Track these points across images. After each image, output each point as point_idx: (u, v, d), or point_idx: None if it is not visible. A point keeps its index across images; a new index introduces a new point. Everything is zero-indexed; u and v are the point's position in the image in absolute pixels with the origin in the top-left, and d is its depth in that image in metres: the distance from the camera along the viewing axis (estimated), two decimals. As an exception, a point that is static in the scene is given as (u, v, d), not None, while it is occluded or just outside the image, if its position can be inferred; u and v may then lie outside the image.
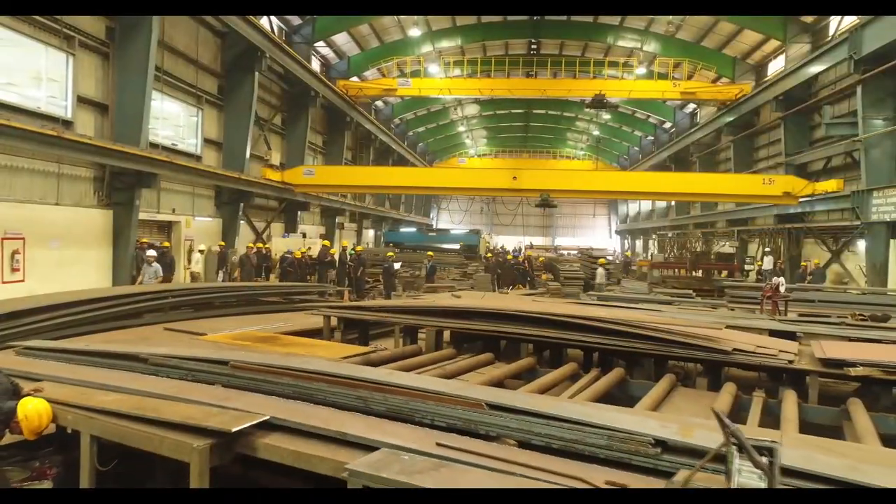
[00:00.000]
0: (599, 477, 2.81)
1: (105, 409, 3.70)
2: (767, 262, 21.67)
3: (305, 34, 25.38)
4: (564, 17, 29.10)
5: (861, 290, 15.20)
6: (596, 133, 48.22)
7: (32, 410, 3.70)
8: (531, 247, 41.88)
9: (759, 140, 27.30)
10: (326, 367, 4.14)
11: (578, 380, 5.80)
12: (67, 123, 13.15)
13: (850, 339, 6.93)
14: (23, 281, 11.82)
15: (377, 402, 3.68)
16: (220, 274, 17.16)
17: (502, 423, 3.33)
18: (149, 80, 14.56)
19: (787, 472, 2.69)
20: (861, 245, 18.52)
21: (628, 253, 30.90)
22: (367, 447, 3.20)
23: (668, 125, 40.38)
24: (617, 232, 61.09)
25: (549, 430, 3.20)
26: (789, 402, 5.02)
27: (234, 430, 3.31)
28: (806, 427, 4.93)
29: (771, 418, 4.89)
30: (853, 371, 5.11)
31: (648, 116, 42.09)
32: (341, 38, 28.64)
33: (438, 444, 3.16)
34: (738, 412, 5.05)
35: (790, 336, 6.92)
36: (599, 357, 6.61)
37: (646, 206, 48.55)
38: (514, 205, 47.90)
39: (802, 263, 20.49)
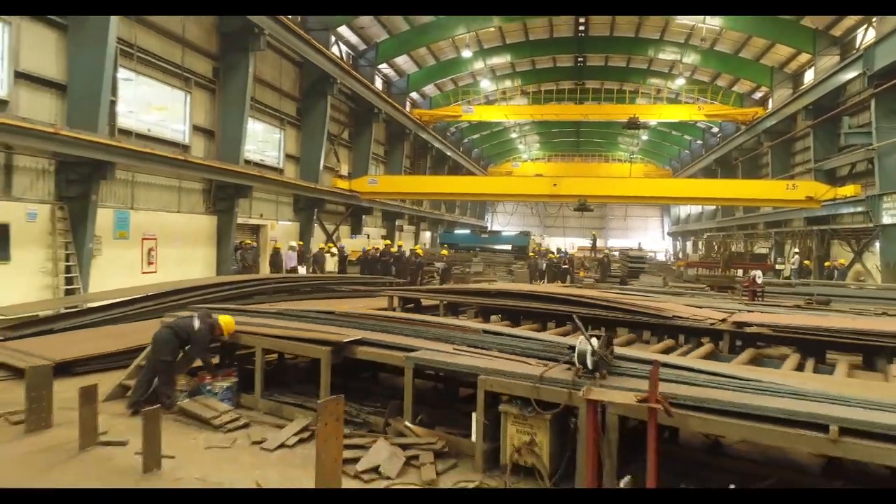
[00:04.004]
0: (534, 362, 5.38)
1: (271, 334, 6.53)
2: (794, 262, 23.21)
3: (370, 58, 28.51)
4: (607, 33, 31.12)
5: (859, 286, 16.78)
6: (645, 138, 49.55)
7: (224, 318, 6.64)
8: (573, 248, 43.99)
9: (795, 146, 28.53)
10: (395, 314, 6.85)
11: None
12: (186, 147, 16.50)
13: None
14: (155, 272, 15.16)
15: (424, 331, 6.35)
16: (301, 268, 20.29)
17: (490, 340, 5.96)
18: (246, 108, 17.82)
19: (629, 358, 5.19)
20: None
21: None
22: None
23: (715, 129, 41.47)
24: (669, 233, 61.92)
25: (514, 343, 5.80)
26: (703, 348, 7.37)
27: (344, 341, 6.06)
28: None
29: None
30: (749, 329, 7.40)
31: (696, 121, 43.19)
32: (401, 59, 31.63)
33: (455, 349, 5.81)
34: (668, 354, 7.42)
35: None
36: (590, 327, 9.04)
37: (696, 208, 49.50)
38: (557, 207, 50.06)
39: (826, 264, 21.98)
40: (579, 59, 34.63)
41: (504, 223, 61.49)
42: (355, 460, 4.99)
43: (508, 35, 31.43)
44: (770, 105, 29.95)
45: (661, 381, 4.61)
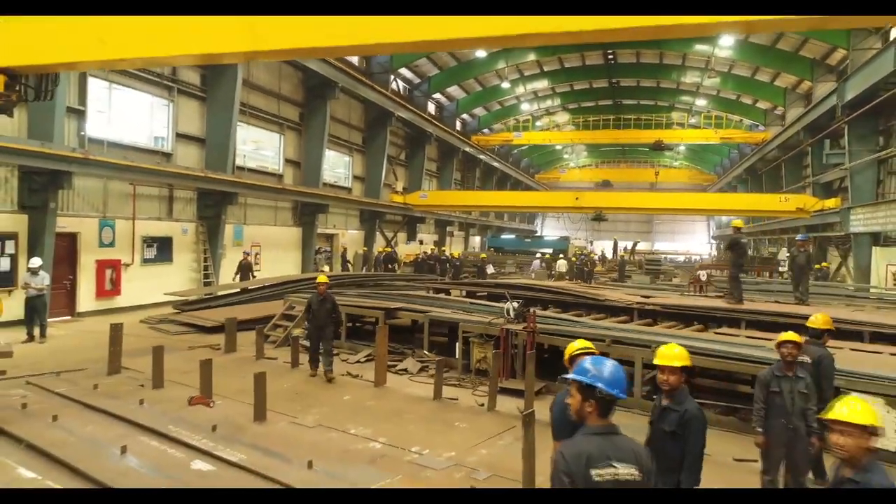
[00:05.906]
0: (490, 317, 9.88)
1: (351, 304, 11.30)
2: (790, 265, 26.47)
3: (423, 90, 33.42)
4: (634, 60, 34.85)
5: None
6: (682, 148, 52.50)
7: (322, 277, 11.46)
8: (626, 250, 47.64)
9: (806, 159, 31.40)
10: (421, 294, 11.53)
11: (536, 312, 12.72)
12: (280, 177, 21.73)
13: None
14: (260, 270, 20.36)
15: (437, 302, 10.97)
16: (364, 268, 25.30)
17: (474, 307, 10.52)
18: (324, 143, 22.92)
19: (539, 315, 9.67)
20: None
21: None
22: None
23: (748, 140, 44.20)
24: (713, 237, 64.13)
25: (485, 307, 10.34)
26: (620, 318, 11.61)
27: (392, 307, 10.76)
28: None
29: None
30: (648, 306, 11.58)
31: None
32: (451, 87, 36.37)
33: (452, 311, 10.42)
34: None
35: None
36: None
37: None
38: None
39: (816, 266, 25.16)
40: (613, 82, 38.41)
41: (555, 227, 65.45)
42: (394, 366, 9.66)
43: (545, 64, 35.63)
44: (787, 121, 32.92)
45: (545, 323, 9.08)
